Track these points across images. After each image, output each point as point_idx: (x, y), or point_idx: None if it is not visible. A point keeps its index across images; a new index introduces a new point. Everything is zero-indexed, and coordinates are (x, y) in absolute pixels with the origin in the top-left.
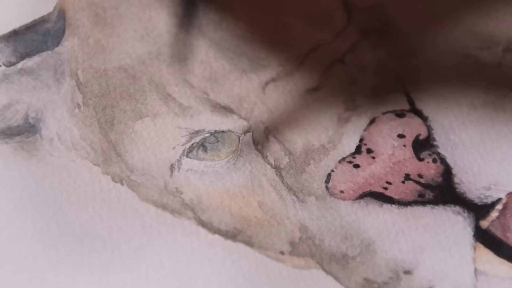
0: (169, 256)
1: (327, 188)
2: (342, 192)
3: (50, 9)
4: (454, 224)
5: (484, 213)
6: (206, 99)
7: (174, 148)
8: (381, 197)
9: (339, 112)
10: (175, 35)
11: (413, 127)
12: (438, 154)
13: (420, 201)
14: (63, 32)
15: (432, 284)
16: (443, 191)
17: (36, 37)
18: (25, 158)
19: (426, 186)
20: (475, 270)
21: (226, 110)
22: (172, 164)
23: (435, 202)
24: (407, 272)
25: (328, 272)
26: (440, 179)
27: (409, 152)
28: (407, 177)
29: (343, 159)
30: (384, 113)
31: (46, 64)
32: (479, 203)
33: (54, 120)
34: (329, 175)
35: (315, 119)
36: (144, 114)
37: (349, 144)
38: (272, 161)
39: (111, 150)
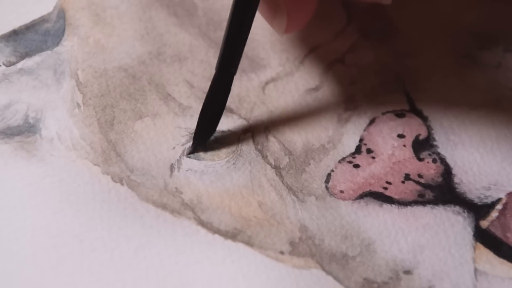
0: (169, 256)
1: (327, 188)
2: (342, 192)
3: (50, 9)
4: (454, 224)
5: (484, 213)
6: None
7: (174, 148)
8: (381, 197)
9: (339, 112)
10: (175, 35)
11: (413, 127)
12: (438, 154)
13: (420, 201)
14: (63, 32)
15: (432, 284)
16: (443, 191)
17: (36, 37)
18: (25, 158)
19: (426, 186)
20: (475, 270)
21: (226, 110)
22: (172, 164)
23: (435, 202)
24: (407, 272)
25: (328, 272)
26: (440, 179)
27: (409, 152)
28: (407, 177)
29: (343, 159)
30: (384, 113)
31: (46, 64)
32: (479, 203)
33: (54, 120)
34: (329, 175)
35: (315, 119)
36: (144, 114)
37: (349, 144)
38: (272, 161)
39: (111, 150)
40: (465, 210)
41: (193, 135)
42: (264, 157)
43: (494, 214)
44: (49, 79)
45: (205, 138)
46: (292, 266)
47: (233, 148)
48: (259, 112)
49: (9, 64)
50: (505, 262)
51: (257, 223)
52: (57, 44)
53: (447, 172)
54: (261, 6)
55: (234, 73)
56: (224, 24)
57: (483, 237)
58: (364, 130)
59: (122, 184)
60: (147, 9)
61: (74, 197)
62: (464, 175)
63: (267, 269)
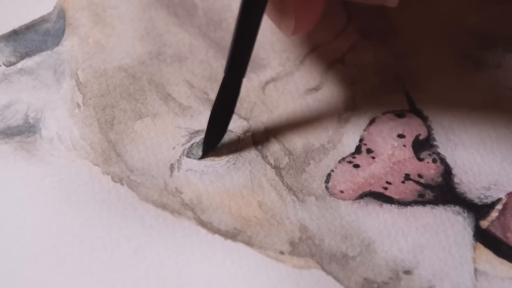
0: (169, 256)
1: (327, 188)
2: (342, 192)
3: (50, 9)
4: (454, 224)
5: (484, 213)
6: (206, 99)
7: (174, 148)
8: (381, 197)
9: (339, 112)
10: (175, 35)
11: (413, 127)
12: (438, 154)
13: (420, 201)
14: (63, 32)
15: (432, 284)
16: (443, 191)
17: (36, 37)
18: (25, 158)
19: (426, 186)
20: (475, 270)
21: None
22: (172, 164)
23: (435, 202)
24: (407, 272)
25: (328, 272)
26: (440, 179)
27: (409, 152)
28: (407, 177)
29: (343, 159)
30: (384, 113)
31: (46, 64)
32: (479, 203)
33: (54, 120)
34: (329, 175)
35: (315, 119)
36: (144, 114)
37: (349, 144)
38: (272, 161)
39: (111, 150)
40: (465, 210)
41: (202, 139)
42: (264, 157)
43: (494, 214)
44: (49, 79)
45: (215, 142)
46: (292, 266)
47: (233, 148)
48: (259, 112)
49: (9, 64)
50: (505, 262)
51: (257, 223)
52: (57, 44)
53: (447, 172)
54: (268, 8)
55: (243, 76)
56: (224, 24)
57: (483, 237)
58: (364, 130)
59: (122, 184)
60: (147, 9)
61: (74, 197)
62: (464, 175)
63: (267, 269)
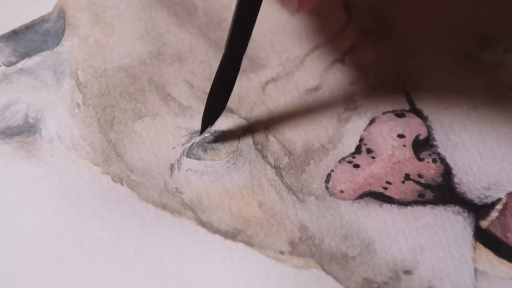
0: (169, 256)
1: (327, 188)
2: (342, 192)
3: (50, 9)
4: (454, 224)
5: (484, 213)
6: (206, 99)
7: (174, 148)
8: (381, 197)
9: (339, 112)
10: (175, 35)
11: (413, 127)
12: (438, 154)
13: (420, 201)
14: (63, 32)
15: (432, 284)
16: (443, 191)
17: (36, 37)
18: (25, 158)
19: (426, 186)
20: (475, 270)
21: (226, 110)
22: (172, 164)
23: (435, 202)
24: (407, 272)
25: (328, 272)
26: (440, 179)
27: (409, 152)
28: (407, 177)
29: (343, 159)
30: (384, 113)
31: (46, 64)
32: (479, 203)
33: (54, 120)
34: (329, 175)
35: (315, 119)
36: (144, 114)
37: (349, 144)
38: (272, 161)
39: (111, 150)
40: (465, 210)
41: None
42: (264, 157)
43: (494, 214)
44: (49, 79)
45: (214, 118)
46: (292, 266)
47: (233, 148)
48: (259, 112)
49: (9, 64)
50: (505, 262)
51: (257, 223)
52: (57, 44)
53: (447, 172)
54: None
55: (243, 51)
56: (224, 24)
57: (483, 237)
58: (364, 130)
59: (122, 184)
60: (147, 9)
61: (74, 197)
62: (464, 175)
63: (267, 269)
